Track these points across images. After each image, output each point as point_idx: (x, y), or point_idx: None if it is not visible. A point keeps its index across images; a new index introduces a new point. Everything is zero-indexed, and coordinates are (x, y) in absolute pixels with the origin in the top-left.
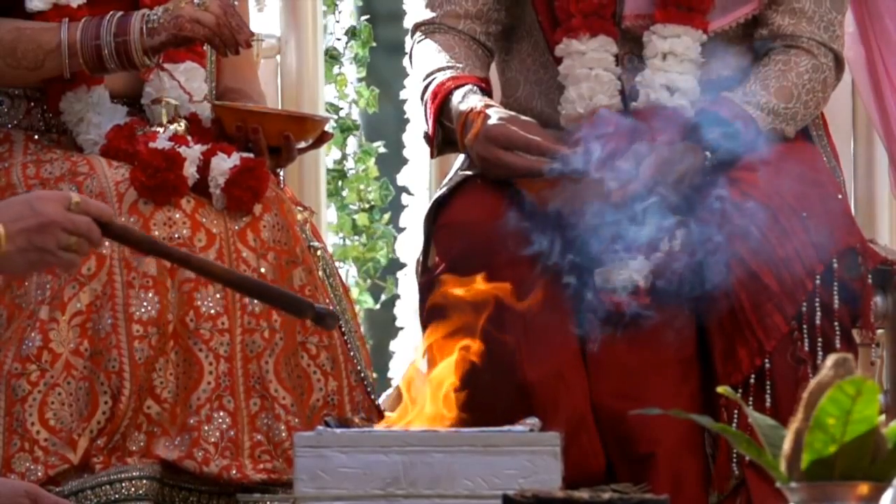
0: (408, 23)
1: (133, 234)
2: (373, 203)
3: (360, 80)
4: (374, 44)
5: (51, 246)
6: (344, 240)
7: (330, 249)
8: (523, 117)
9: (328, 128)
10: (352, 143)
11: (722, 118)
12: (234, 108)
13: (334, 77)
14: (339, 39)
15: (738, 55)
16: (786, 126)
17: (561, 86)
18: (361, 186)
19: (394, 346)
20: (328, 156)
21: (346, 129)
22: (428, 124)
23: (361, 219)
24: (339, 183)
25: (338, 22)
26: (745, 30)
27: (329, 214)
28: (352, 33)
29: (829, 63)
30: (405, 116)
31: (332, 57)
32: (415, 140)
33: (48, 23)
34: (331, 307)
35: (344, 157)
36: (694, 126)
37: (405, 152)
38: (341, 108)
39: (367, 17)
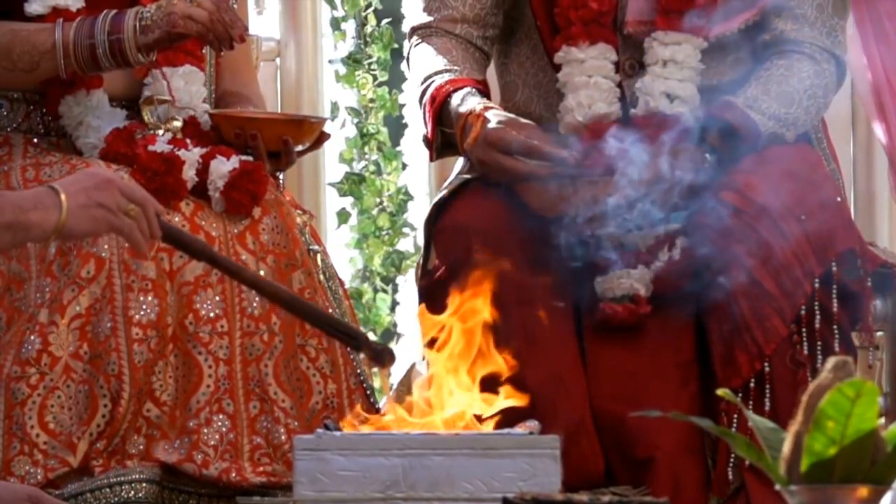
0: (406, 26)
1: (185, 236)
2: (396, 209)
3: (380, 84)
4: (395, 45)
5: (111, 203)
6: (368, 240)
7: (357, 255)
8: (522, 120)
9: (326, 128)
10: (353, 148)
11: (722, 121)
12: (232, 115)
13: (356, 81)
14: (364, 45)
15: (740, 60)
16: (786, 131)
17: (560, 90)
18: (387, 192)
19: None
20: (357, 161)
21: (365, 134)
22: (427, 127)
23: (382, 219)
24: (362, 187)
25: (359, 25)
26: (747, 35)
27: (353, 218)
28: (370, 37)
29: (830, 68)
30: (403, 121)
31: (356, 61)
32: (413, 144)
33: (43, 24)
34: (330, 310)
35: (367, 162)
36: (694, 129)
37: (404, 157)
38: (362, 114)
39: (388, 20)
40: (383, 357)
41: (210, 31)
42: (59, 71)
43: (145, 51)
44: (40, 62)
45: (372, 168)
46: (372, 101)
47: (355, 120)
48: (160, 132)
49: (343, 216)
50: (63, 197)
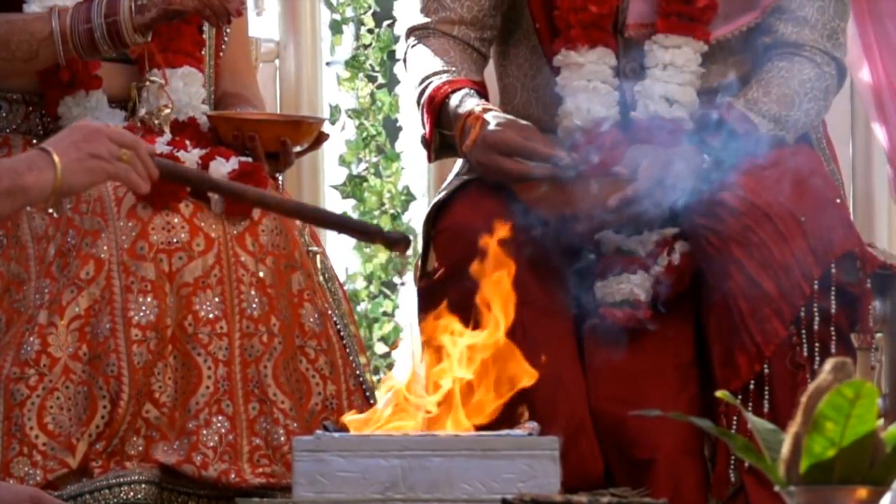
0: (398, 28)
1: (181, 168)
2: (397, 211)
3: (380, 86)
4: (393, 47)
5: (103, 152)
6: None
7: (356, 257)
8: (521, 121)
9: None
10: (348, 147)
11: (723, 122)
12: (229, 116)
13: (356, 84)
14: (365, 46)
15: (740, 63)
16: (786, 133)
17: (558, 93)
18: (388, 194)
19: (394, 354)
20: (355, 164)
21: (366, 136)
22: (425, 129)
23: (384, 221)
24: (363, 190)
25: (363, 25)
26: (748, 37)
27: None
28: (369, 41)
29: (831, 71)
30: (398, 124)
31: (358, 62)
32: (409, 146)
33: (39, 12)
34: (329, 312)
35: (368, 164)
36: (693, 130)
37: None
38: (363, 115)
39: (388, 22)
40: (399, 243)
41: (206, 7)
42: (58, 58)
43: (142, 30)
44: (39, 50)
45: (372, 170)
46: (372, 103)
47: (356, 122)
48: (144, 111)
49: None
50: (55, 155)
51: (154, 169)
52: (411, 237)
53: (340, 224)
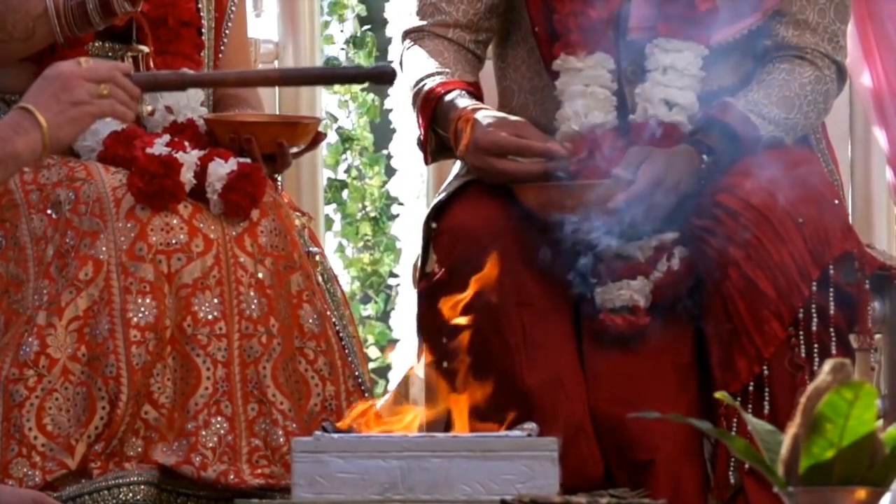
0: (390, 31)
1: (160, 76)
2: (378, 213)
3: (364, 89)
4: (377, 52)
5: (83, 97)
6: (349, 248)
7: (338, 260)
8: (513, 118)
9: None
10: (328, 151)
11: (723, 123)
12: (226, 119)
13: (338, 87)
14: (342, 49)
15: (741, 66)
16: (785, 136)
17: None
18: (370, 195)
19: (390, 356)
20: (338, 165)
21: (346, 139)
22: (420, 131)
23: (364, 227)
24: (344, 193)
25: (342, 31)
26: (749, 40)
27: (336, 223)
28: (354, 42)
29: (831, 74)
30: (391, 126)
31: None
32: (402, 150)
33: None
34: (328, 313)
35: (350, 167)
36: (693, 130)
37: (393, 162)
38: (338, 119)
39: (368, 26)
40: (385, 75)
41: None
42: (55, 35)
43: None
44: (35, 28)
45: (354, 173)
46: (350, 102)
47: (336, 125)
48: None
49: (328, 222)
50: (38, 114)
51: (135, 90)
52: (398, 72)
53: (328, 76)
